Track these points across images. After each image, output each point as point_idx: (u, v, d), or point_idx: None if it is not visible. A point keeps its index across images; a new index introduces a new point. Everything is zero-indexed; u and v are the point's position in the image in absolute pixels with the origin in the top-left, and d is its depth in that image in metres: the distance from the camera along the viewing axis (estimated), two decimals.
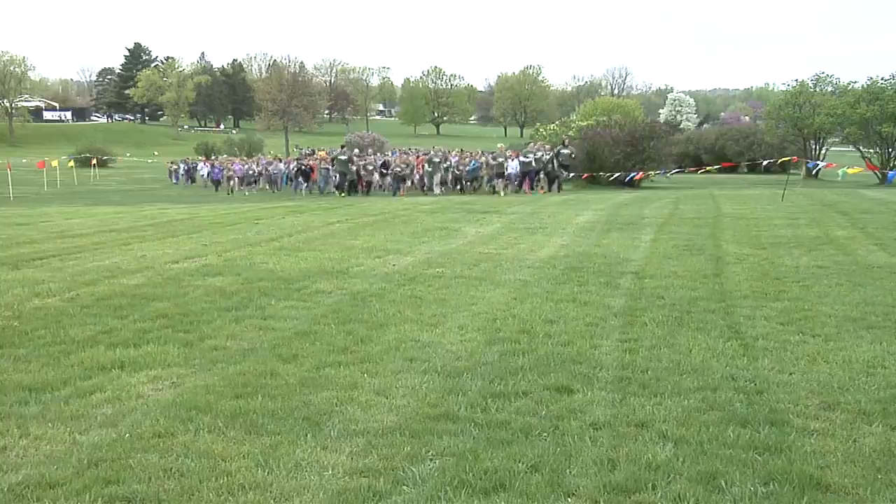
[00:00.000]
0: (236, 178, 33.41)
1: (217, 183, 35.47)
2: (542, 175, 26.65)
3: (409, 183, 27.98)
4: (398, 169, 28.26)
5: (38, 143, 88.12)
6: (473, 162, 27.85)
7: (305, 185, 30.00)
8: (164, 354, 5.60)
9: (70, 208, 22.36)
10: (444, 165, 27.95)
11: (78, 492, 3.45)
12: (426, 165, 28.21)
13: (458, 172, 27.98)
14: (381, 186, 28.95)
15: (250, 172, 33.98)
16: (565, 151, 26.40)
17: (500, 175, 25.64)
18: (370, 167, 28.83)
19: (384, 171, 29.22)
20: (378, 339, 6.02)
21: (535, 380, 4.95)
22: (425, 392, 4.75)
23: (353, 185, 27.28)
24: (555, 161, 26.50)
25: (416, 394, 4.73)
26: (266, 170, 34.05)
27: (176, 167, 44.47)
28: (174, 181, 43.35)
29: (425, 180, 28.23)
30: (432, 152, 29.67)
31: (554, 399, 4.61)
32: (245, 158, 43.27)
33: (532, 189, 25.72)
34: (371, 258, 10.27)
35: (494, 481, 3.51)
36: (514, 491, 3.44)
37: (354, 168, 27.77)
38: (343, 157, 27.03)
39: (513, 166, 25.92)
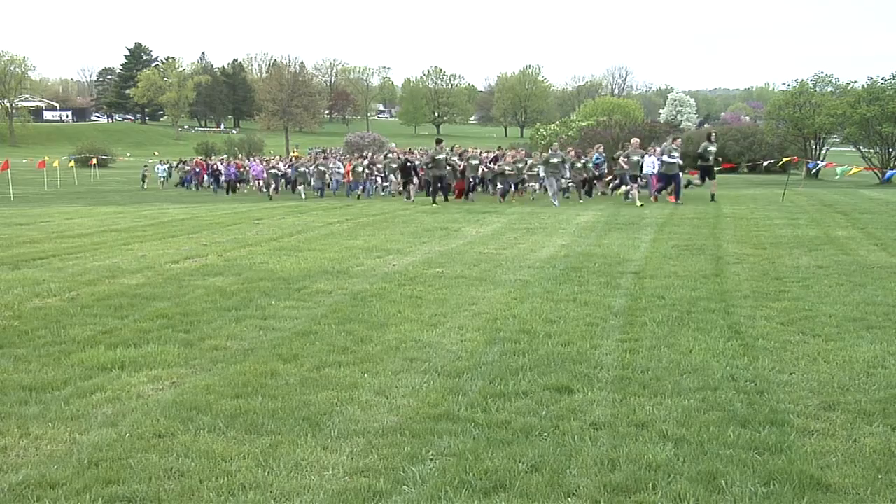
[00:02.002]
0: (272, 182, 29.35)
1: (232, 184, 32.44)
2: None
3: (512, 188, 21.97)
4: (508, 169, 21.84)
5: (38, 143, 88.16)
6: (597, 156, 23.22)
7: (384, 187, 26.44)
8: (165, 354, 5.60)
9: (70, 208, 22.36)
10: (567, 166, 21.10)
11: (78, 492, 3.45)
12: (541, 168, 21.22)
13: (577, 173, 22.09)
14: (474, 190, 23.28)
15: (299, 171, 28.98)
16: (712, 148, 20.27)
17: (635, 178, 19.76)
18: (475, 165, 23.14)
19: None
20: (378, 339, 6.02)
21: (536, 380, 4.94)
22: (425, 392, 4.75)
23: (447, 188, 21.65)
24: (700, 161, 20.87)
25: (417, 394, 4.73)
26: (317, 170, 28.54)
27: (167, 166, 42.69)
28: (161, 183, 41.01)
29: (538, 186, 22.15)
30: (551, 150, 21.59)
31: (554, 399, 4.61)
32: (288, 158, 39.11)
33: (659, 194, 20.07)
34: (371, 258, 10.27)
35: (495, 481, 3.51)
36: (514, 491, 3.43)
37: (458, 169, 22.30)
38: (441, 157, 20.78)
39: (649, 165, 20.39)
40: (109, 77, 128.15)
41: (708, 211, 16.38)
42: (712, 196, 19.40)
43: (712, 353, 5.52)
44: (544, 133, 48.09)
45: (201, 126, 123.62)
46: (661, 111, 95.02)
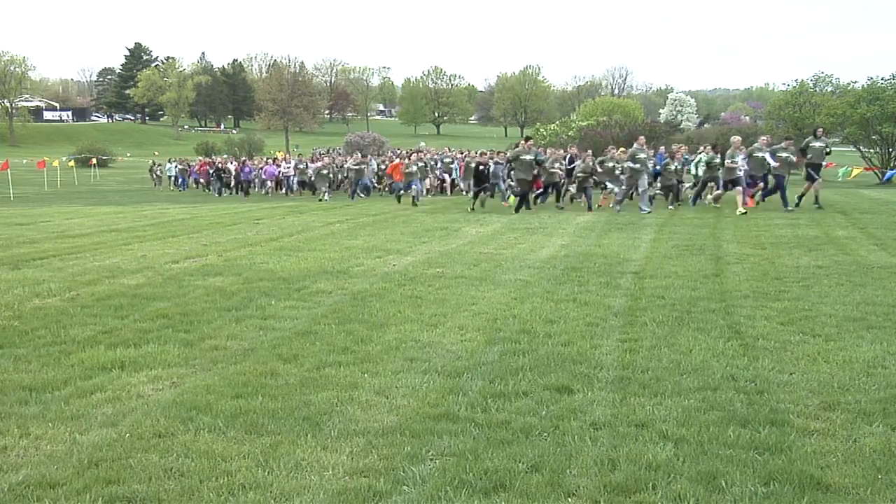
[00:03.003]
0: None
1: (245, 185, 30.60)
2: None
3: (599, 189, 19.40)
4: (602, 170, 18.74)
5: (38, 143, 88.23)
6: (659, 156, 20.13)
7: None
8: (165, 354, 5.60)
9: (70, 208, 22.37)
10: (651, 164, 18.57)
11: (78, 492, 3.45)
12: (627, 166, 18.09)
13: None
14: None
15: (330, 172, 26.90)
16: (818, 145, 17.13)
17: (735, 183, 16.62)
18: (557, 166, 19.70)
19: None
20: (378, 339, 6.02)
21: (536, 380, 4.94)
22: (425, 392, 4.75)
23: (525, 196, 18.28)
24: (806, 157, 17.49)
25: (417, 394, 4.73)
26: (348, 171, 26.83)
27: (158, 167, 41.03)
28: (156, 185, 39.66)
29: (618, 189, 18.49)
30: (636, 146, 18.35)
31: (554, 399, 4.61)
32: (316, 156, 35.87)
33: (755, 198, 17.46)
34: (371, 258, 10.27)
35: (495, 481, 3.51)
36: (514, 491, 3.43)
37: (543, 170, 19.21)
38: (528, 157, 17.77)
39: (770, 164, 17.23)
40: (109, 77, 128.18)
41: (708, 211, 16.36)
42: (798, 199, 16.87)
43: (712, 353, 5.52)
44: (544, 133, 48.07)
45: (201, 126, 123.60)
46: (661, 111, 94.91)
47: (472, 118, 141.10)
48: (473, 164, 20.33)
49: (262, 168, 31.36)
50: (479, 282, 8.43)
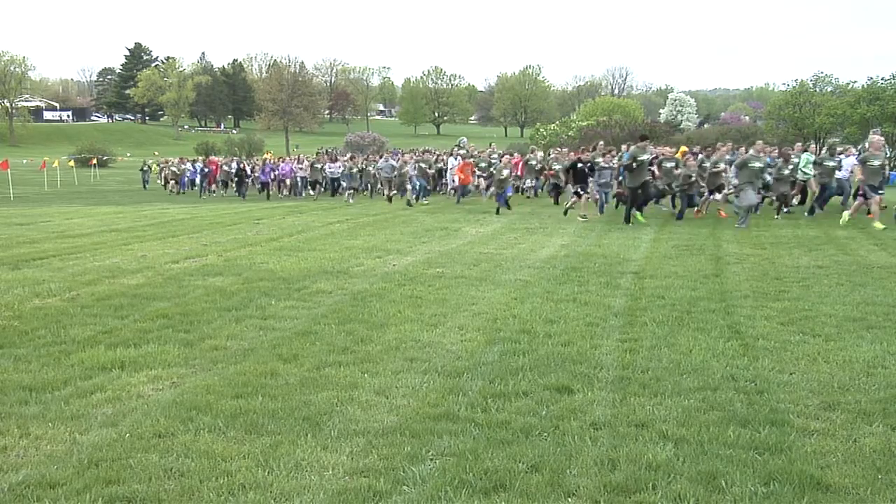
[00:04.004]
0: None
1: (264, 186, 27.81)
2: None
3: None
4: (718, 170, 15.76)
5: (38, 143, 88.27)
6: (732, 155, 17.41)
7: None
8: (165, 354, 5.60)
9: (70, 208, 22.37)
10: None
11: (78, 492, 3.45)
12: (733, 172, 15.17)
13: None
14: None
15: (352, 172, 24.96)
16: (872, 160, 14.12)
17: (840, 194, 15.09)
18: (669, 168, 16.56)
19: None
20: (378, 339, 6.02)
21: (536, 380, 4.94)
22: (425, 392, 4.75)
23: (646, 202, 15.43)
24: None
25: (417, 394, 4.73)
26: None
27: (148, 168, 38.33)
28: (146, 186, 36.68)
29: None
30: (752, 151, 15.30)
31: (554, 399, 4.61)
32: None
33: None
34: (371, 258, 10.27)
35: (495, 481, 3.51)
36: (514, 491, 3.43)
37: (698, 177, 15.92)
38: (645, 157, 14.69)
39: (848, 167, 15.94)
40: (109, 77, 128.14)
41: (708, 210, 16.33)
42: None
43: (712, 353, 5.52)
44: (544, 133, 48.11)
45: (201, 126, 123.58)
46: (661, 111, 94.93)
47: (472, 118, 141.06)
48: (568, 162, 16.87)
49: (275, 167, 28.54)
50: (480, 282, 8.43)
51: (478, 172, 22.37)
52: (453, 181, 22.67)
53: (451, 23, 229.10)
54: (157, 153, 69.67)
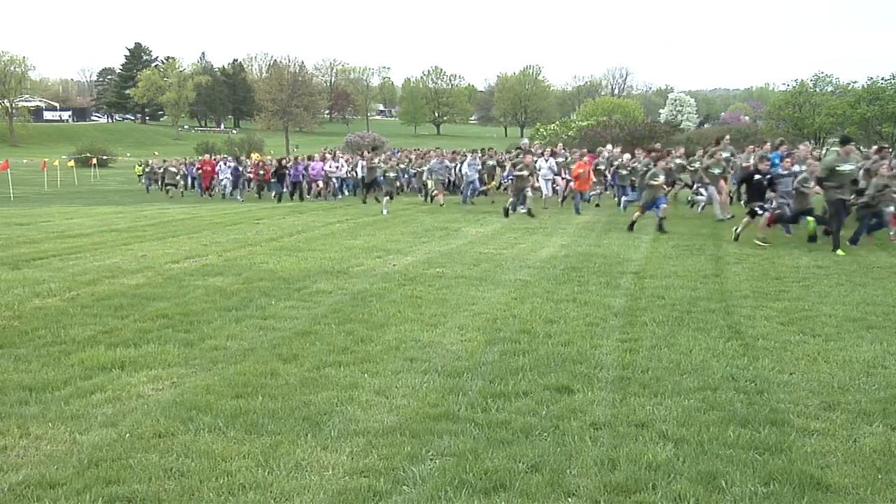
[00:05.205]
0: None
1: (297, 186, 24.79)
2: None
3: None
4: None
5: (38, 143, 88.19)
6: (776, 154, 15.48)
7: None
8: (165, 354, 5.60)
9: (70, 208, 22.36)
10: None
11: (78, 492, 3.45)
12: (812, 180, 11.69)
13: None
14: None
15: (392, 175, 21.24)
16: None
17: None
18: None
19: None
20: (378, 339, 6.02)
21: (536, 380, 4.94)
22: (425, 392, 4.75)
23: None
24: None
25: (417, 394, 4.73)
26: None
27: (147, 169, 35.74)
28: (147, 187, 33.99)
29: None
30: (839, 153, 11.79)
31: (554, 399, 4.61)
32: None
33: None
34: (371, 258, 10.27)
35: (495, 481, 3.51)
36: (514, 491, 3.43)
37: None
38: (847, 168, 11.14)
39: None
40: (109, 77, 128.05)
41: (708, 210, 16.33)
42: None
43: (712, 353, 5.52)
44: (544, 133, 48.09)
45: (201, 126, 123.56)
46: (661, 111, 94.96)
47: (472, 118, 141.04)
48: (746, 173, 13.28)
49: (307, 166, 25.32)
50: (479, 282, 8.43)
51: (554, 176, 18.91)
52: (547, 187, 18.76)
53: (451, 23, 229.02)
54: (157, 153, 69.63)
